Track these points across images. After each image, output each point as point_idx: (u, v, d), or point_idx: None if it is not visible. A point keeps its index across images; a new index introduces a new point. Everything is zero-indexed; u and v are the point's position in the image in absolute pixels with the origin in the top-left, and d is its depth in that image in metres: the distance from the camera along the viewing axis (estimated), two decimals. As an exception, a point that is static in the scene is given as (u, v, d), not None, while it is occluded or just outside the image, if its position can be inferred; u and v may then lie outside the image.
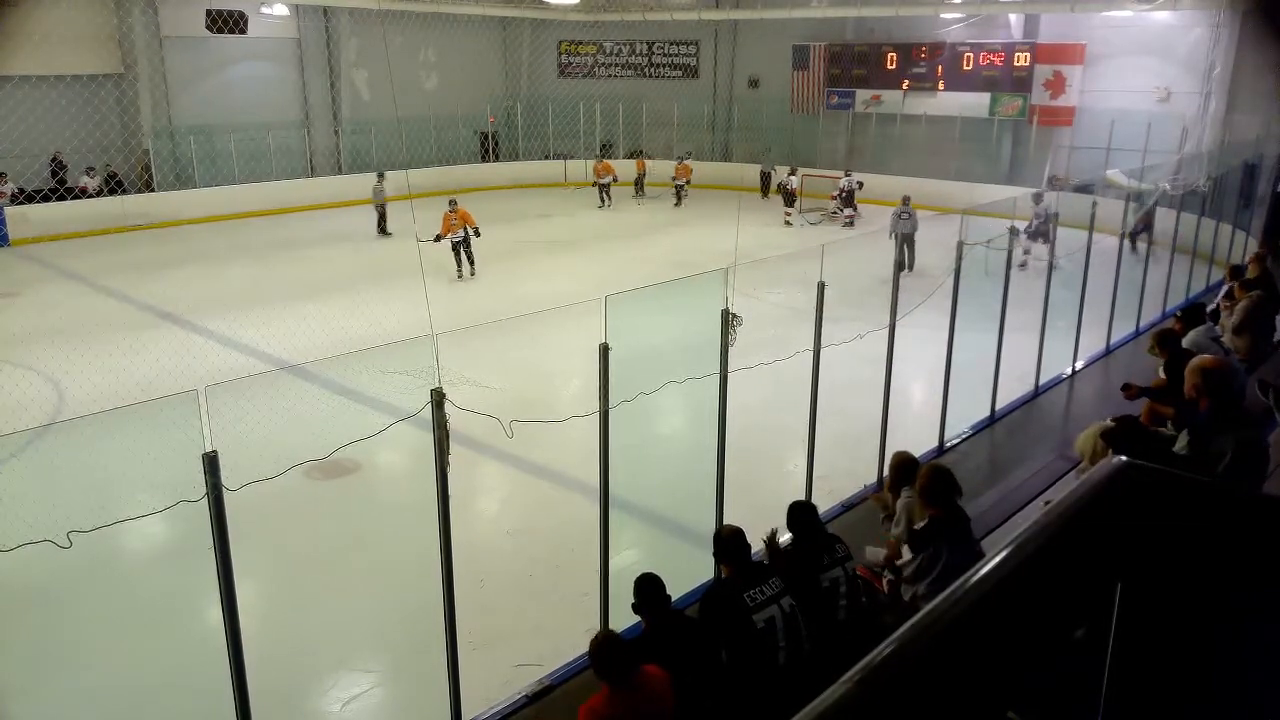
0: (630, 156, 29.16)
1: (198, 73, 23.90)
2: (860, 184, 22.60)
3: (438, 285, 15.71)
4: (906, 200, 17.73)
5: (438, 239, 16.71)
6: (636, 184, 26.53)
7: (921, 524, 4.86)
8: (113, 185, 21.55)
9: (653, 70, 30.93)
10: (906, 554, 4.83)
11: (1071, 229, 12.17)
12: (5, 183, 20.44)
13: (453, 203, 17.44)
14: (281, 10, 25.15)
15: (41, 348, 12.46)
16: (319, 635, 6.84)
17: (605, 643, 3.80)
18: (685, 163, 25.83)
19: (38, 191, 20.93)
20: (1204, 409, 4.61)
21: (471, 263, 17.12)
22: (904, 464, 5.49)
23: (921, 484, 4.90)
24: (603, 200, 25.29)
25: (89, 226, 20.67)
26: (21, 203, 20.41)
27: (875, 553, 5.60)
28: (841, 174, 23.23)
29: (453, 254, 16.97)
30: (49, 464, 8.31)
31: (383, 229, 20.78)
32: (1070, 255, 11.00)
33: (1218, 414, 4.53)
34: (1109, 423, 5.20)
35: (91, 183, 21.34)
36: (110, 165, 21.98)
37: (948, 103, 25.70)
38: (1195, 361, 4.86)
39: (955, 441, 9.03)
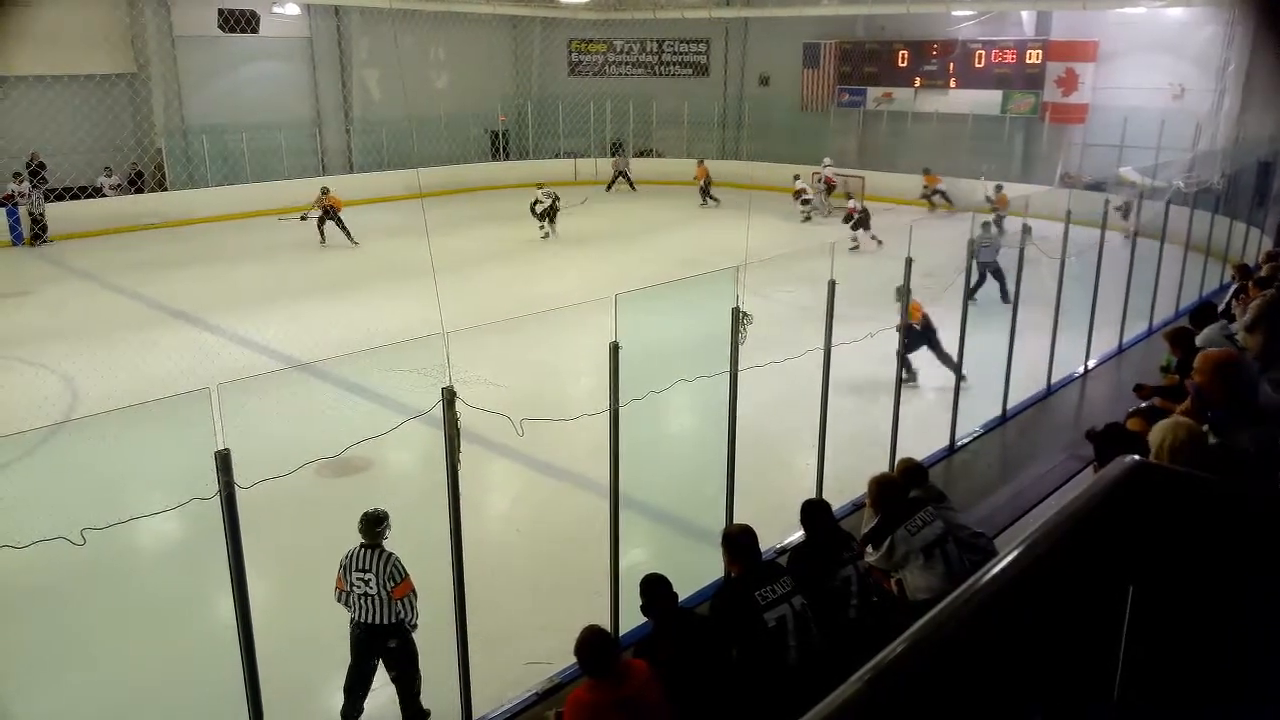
0: (640, 155, 29.18)
1: (210, 72, 23.97)
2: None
3: (449, 283, 15.74)
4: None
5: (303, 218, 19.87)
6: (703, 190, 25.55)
7: (872, 525, 5.28)
8: (135, 181, 21.63)
9: (663, 69, 30.90)
10: (870, 551, 5.16)
11: (1084, 227, 12.10)
12: (21, 182, 20.54)
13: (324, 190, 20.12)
14: (293, 9, 25.21)
15: (55, 346, 12.55)
16: (330, 633, 6.85)
17: (587, 638, 3.94)
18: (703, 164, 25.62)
19: (52, 191, 21.02)
20: (1218, 400, 4.55)
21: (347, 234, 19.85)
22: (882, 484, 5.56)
23: (871, 494, 5.35)
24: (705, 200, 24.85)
25: (103, 225, 20.80)
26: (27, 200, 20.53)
27: None
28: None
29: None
30: (62, 461, 8.36)
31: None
32: (1081, 254, 10.93)
33: (1234, 409, 4.47)
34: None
35: (108, 182, 21.43)
36: (135, 164, 22.15)
37: (959, 100, 25.58)
38: (1207, 354, 4.81)
39: (966, 440, 8.99)
